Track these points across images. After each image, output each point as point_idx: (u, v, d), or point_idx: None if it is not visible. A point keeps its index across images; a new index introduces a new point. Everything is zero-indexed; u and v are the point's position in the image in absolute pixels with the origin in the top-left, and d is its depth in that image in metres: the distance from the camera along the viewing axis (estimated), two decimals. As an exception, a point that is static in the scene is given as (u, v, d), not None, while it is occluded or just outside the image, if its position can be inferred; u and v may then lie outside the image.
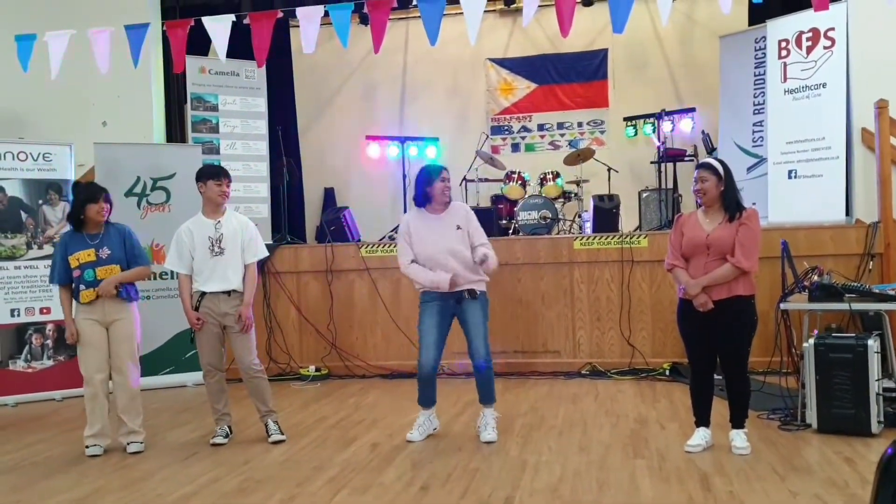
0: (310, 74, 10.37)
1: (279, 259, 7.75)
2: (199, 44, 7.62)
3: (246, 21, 6.21)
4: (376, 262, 7.56)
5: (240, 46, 7.22)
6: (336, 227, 8.19)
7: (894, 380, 5.03)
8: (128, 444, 5.20)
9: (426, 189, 5.10)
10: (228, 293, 5.24)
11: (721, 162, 4.68)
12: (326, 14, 6.30)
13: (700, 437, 4.77)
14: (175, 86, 8.96)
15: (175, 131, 8.98)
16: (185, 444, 5.34)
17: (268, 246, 6.11)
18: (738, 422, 4.72)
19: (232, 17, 6.42)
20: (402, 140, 10.16)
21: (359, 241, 8.14)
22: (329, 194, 10.75)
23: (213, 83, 8.52)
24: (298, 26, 6.48)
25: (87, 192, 5.18)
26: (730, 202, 4.58)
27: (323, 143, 10.83)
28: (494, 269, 5.05)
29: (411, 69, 10.90)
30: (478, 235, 5.16)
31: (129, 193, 7.42)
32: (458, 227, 5.13)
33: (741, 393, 4.70)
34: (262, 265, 7.31)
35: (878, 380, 4.84)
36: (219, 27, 5.58)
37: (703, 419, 4.82)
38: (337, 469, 4.65)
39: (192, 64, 8.29)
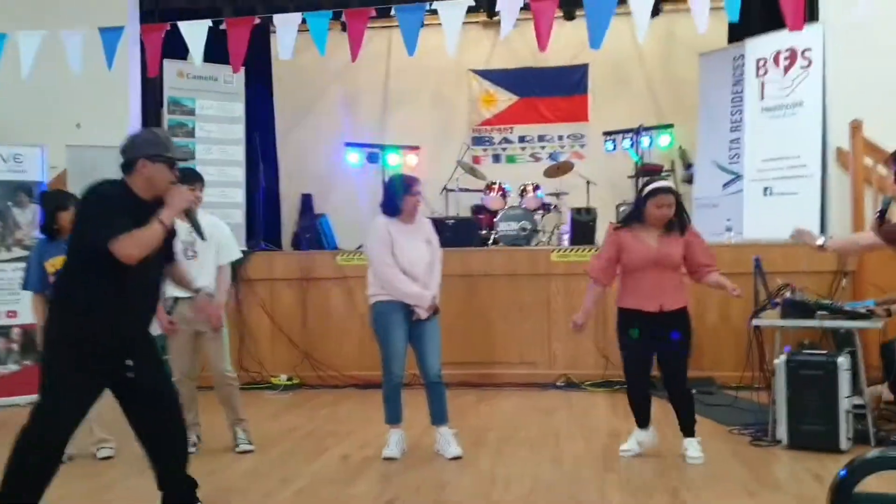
0: (290, 80, 10.32)
1: (253, 266, 7.67)
2: (178, 47, 7.56)
3: (223, 27, 6.17)
4: (353, 271, 7.50)
5: (219, 51, 7.18)
6: (312, 234, 8.13)
7: (864, 397, 5.04)
8: (98, 449, 5.13)
9: (398, 200, 5.02)
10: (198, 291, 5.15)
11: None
12: (306, 21, 6.29)
13: (644, 435, 4.96)
14: (152, 89, 8.87)
15: (151, 135, 8.88)
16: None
17: (242, 252, 6.05)
18: (689, 430, 4.81)
19: (208, 23, 6.38)
20: (383, 148, 10.14)
21: (336, 248, 8.09)
22: (307, 201, 10.68)
23: (191, 87, 8.46)
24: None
25: (57, 201, 5.09)
26: (682, 219, 4.80)
27: (301, 149, 10.77)
28: None
29: (393, 77, 10.88)
30: (438, 260, 5.15)
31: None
32: (428, 242, 5.11)
33: (689, 400, 4.84)
34: (235, 270, 7.23)
35: (848, 397, 4.86)
36: (195, 32, 5.54)
37: (644, 422, 4.97)
38: (305, 481, 4.60)
39: (170, 68, 8.23)
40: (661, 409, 5.05)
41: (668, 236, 4.74)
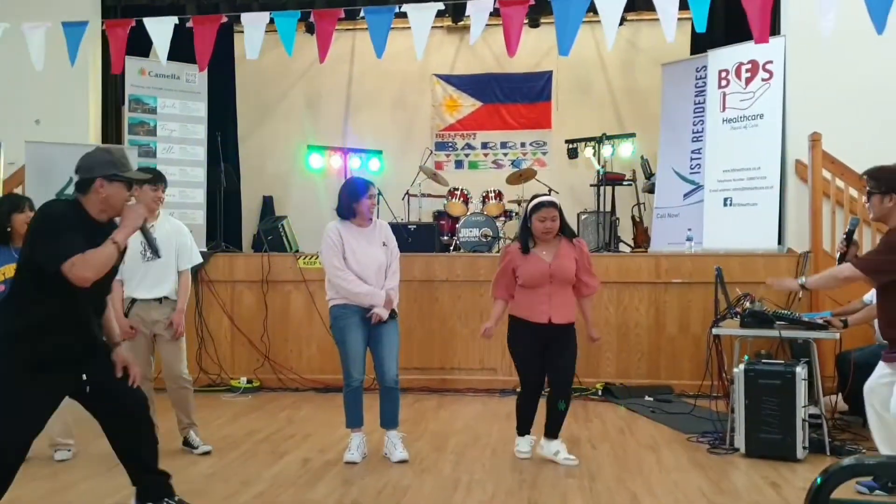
0: (253, 81, 10.24)
1: (213, 267, 7.58)
2: (140, 45, 7.45)
3: (189, 24, 6.08)
4: (314, 274, 7.44)
5: (182, 49, 7.08)
6: (273, 236, 8.05)
7: (820, 407, 5.14)
8: (55, 450, 5.03)
9: (352, 203, 5.00)
10: (160, 300, 5.11)
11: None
12: (272, 21, 6.22)
13: (527, 443, 5.11)
14: (113, 86, 8.73)
15: (111, 133, 8.73)
16: (109, 455, 5.05)
17: (202, 253, 5.97)
18: (557, 433, 5.00)
19: (174, 20, 6.28)
20: (345, 151, 10.08)
21: (297, 251, 8.02)
22: (268, 203, 10.60)
23: (153, 85, 8.33)
24: (243, 32, 6.39)
25: (11, 203, 4.94)
26: (569, 232, 4.98)
27: (264, 150, 10.69)
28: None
29: (357, 80, 10.84)
30: (396, 259, 5.15)
31: (60, 194, 7.17)
32: (384, 245, 5.09)
33: (567, 408, 5.02)
34: (195, 273, 7.14)
35: (804, 406, 4.94)
36: (161, 29, 5.44)
37: (527, 429, 5.12)
38: (265, 484, 4.54)
39: (132, 65, 8.10)
40: (620, 417, 5.07)
41: (563, 251, 4.90)
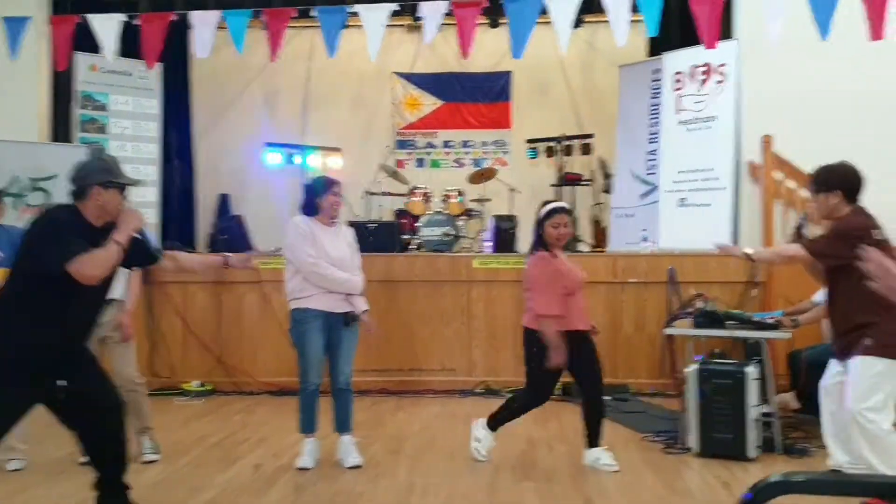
0: (208, 78, 10.08)
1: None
2: (92, 40, 7.28)
3: (137, 22, 5.96)
4: (270, 275, 7.31)
5: (134, 45, 6.94)
6: (228, 235, 7.92)
7: (772, 406, 5.19)
8: (8, 460, 4.89)
9: (316, 200, 4.94)
10: (109, 302, 4.98)
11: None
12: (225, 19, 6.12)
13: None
14: (65, 83, 8.52)
15: (60, 130, 8.53)
16: (53, 462, 5.02)
17: (157, 250, 5.84)
18: (598, 441, 4.92)
19: (121, 17, 6.15)
20: (303, 149, 9.98)
21: (252, 251, 7.89)
22: (224, 201, 10.44)
23: (104, 82, 8.17)
24: (197, 28, 6.28)
25: None
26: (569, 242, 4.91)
27: (219, 148, 10.52)
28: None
29: (315, 78, 10.72)
30: (357, 264, 5.09)
31: (4, 193, 6.97)
32: (350, 246, 5.04)
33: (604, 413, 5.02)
34: (146, 273, 7.01)
35: (756, 406, 4.98)
36: (107, 26, 5.31)
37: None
38: (216, 491, 4.46)
39: (83, 61, 7.93)
40: (577, 418, 5.08)
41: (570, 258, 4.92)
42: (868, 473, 3.98)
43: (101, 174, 3.63)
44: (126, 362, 5.04)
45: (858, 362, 4.09)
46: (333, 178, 5.11)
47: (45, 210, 3.69)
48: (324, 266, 4.82)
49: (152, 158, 8.37)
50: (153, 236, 7.47)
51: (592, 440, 4.90)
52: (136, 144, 8.31)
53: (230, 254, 4.23)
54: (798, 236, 4.60)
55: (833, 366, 4.43)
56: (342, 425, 5.02)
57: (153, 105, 8.40)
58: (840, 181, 4.23)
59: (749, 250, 4.81)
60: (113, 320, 4.98)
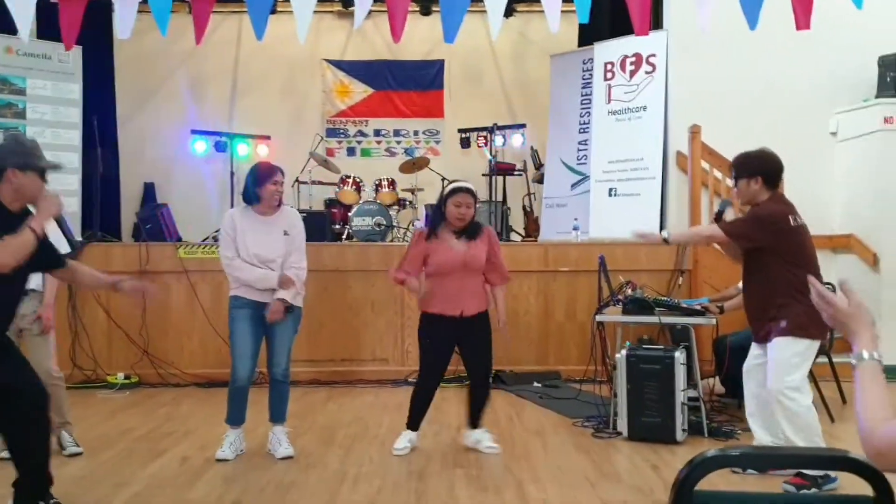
0: (133, 62, 9.78)
1: (88, 258, 7.15)
2: (9, 21, 6.95)
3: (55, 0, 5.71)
4: (196, 265, 7.17)
5: (55, 27, 6.65)
6: (152, 224, 7.68)
7: (698, 390, 5.30)
8: None
9: (256, 189, 4.82)
10: (26, 293, 4.79)
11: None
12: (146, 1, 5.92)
13: (407, 439, 4.97)
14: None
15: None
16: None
17: (79, 243, 5.64)
18: (479, 422, 5.00)
19: (37, -5, 5.88)
20: (232, 136, 9.78)
21: (178, 240, 7.71)
22: (149, 189, 10.17)
23: (21, 65, 7.84)
24: (120, 10, 6.04)
25: None
26: (476, 223, 4.97)
27: (144, 135, 10.24)
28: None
29: (244, 64, 10.53)
30: (298, 250, 4.93)
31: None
32: (286, 233, 4.91)
33: (488, 396, 5.08)
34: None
35: (683, 390, 5.08)
36: (22, 4, 5.06)
37: (418, 424, 5.02)
38: (141, 485, 4.34)
39: (-2, 42, 7.60)
40: (509, 404, 5.11)
41: (474, 240, 4.87)
42: (795, 446, 4.11)
43: (18, 156, 3.53)
44: (45, 355, 4.85)
45: (777, 343, 4.21)
46: (274, 166, 4.98)
47: None
48: (238, 268, 4.77)
49: (73, 145, 8.07)
50: (73, 226, 7.22)
51: (474, 422, 5.00)
52: (55, 130, 8.00)
53: (125, 278, 4.05)
54: (718, 221, 4.70)
55: (754, 349, 4.54)
56: (277, 415, 4.95)
57: (74, 90, 8.10)
58: (760, 167, 4.34)
59: (665, 233, 4.90)
60: (32, 312, 4.79)
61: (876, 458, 1.53)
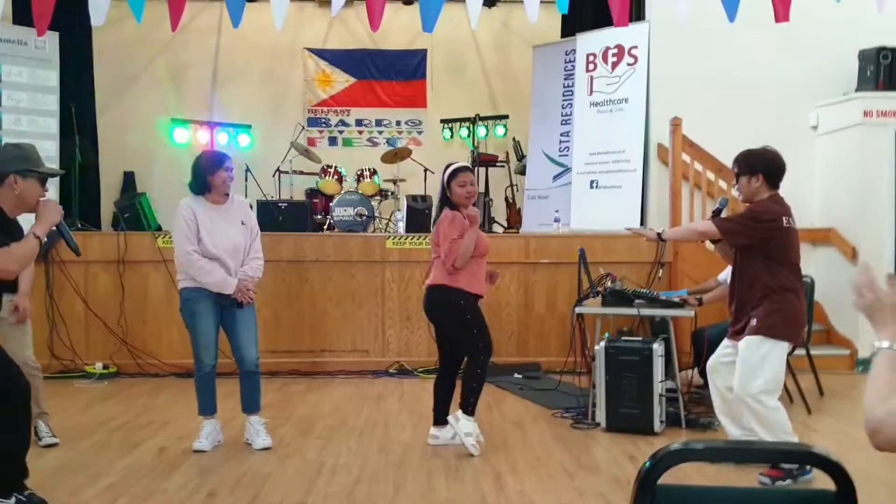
0: (112, 50, 9.68)
1: (65, 247, 7.06)
2: (-18, 6, 6.87)
3: (31, -17, 5.64)
4: (174, 254, 7.10)
5: (30, 13, 6.58)
6: (131, 213, 7.61)
7: (676, 382, 5.33)
8: None
9: (207, 177, 4.75)
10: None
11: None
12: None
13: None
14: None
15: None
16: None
17: (52, 232, 5.57)
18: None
19: (11, -23, 5.81)
20: (212, 125, 9.70)
21: (157, 229, 7.64)
22: (129, 178, 10.07)
23: (-3, 51, 7.74)
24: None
25: None
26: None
27: (124, 123, 10.14)
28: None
29: (224, 52, 10.44)
30: (256, 239, 4.92)
31: None
32: (243, 223, 4.86)
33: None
34: (45, 253, 6.71)
35: (661, 381, 5.10)
36: (-4, -13, 5.00)
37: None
38: (117, 475, 4.31)
39: (-28, 27, 7.49)
40: (489, 395, 5.11)
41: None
42: (762, 440, 4.13)
43: (18, 162, 3.57)
44: (22, 345, 4.80)
45: (745, 342, 4.21)
46: (223, 153, 4.95)
47: None
48: (198, 266, 4.67)
49: (51, 133, 7.98)
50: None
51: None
52: (32, 118, 7.90)
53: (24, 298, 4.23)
54: (715, 218, 4.68)
55: (724, 345, 4.51)
56: (250, 406, 4.92)
57: (51, 77, 8.00)
58: (763, 165, 4.30)
59: (660, 230, 4.90)
60: (9, 302, 4.73)
61: (871, 434, 1.58)
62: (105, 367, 7.00)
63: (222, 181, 4.76)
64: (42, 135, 7.88)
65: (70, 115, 8.03)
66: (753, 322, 4.19)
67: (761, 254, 4.25)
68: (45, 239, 3.53)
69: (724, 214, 4.63)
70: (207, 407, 4.86)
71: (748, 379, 4.15)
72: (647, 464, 1.35)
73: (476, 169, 8.95)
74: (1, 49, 7.71)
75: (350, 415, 5.70)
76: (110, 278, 7.13)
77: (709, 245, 5.42)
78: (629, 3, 4.82)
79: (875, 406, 1.58)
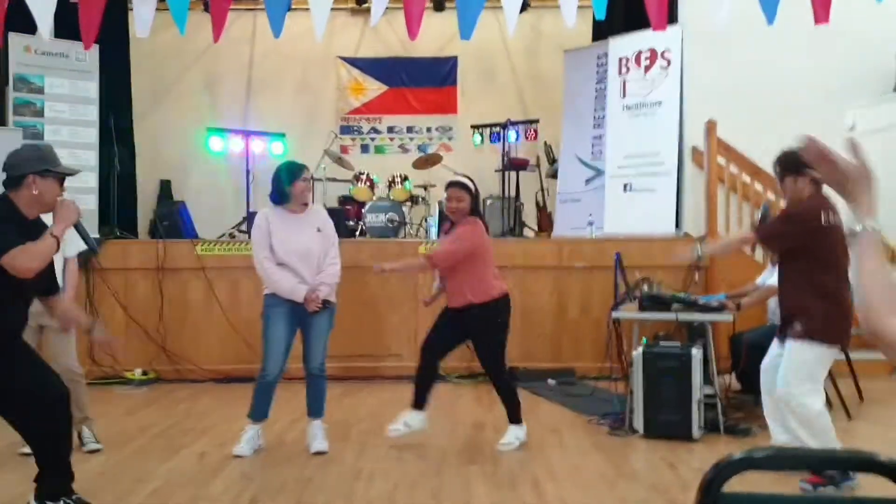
0: (148, 60, 9.82)
1: (105, 255, 7.23)
2: (28, 20, 7.01)
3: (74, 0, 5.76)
4: (213, 261, 7.21)
5: (71, 26, 6.71)
6: (170, 222, 7.73)
7: (715, 387, 5.29)
8: None
9: (286, 188, 4.83)
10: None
11: (469, 179, 5.09)
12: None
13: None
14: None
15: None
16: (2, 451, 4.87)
17: (94, 240, 5.67)
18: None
19: (57, -6, 5.93)
20: (247, 134, 9.80)
21: (195, 237, 7.74)
22: (165, 187, 10.22)
23: (40, 64, 7.90)
24: (135, 8, 6.07)
25: None
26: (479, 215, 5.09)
27: (160, 133, 10.28)
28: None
29: (258, 62, 10.56)
30: (333, 246, 4.99)
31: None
32: (319, 230, 4.93)
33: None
34: (85, 261, 6.82)
35: (700, 387, 5.06)
36: (43, 4, 5.09)
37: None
38: (160, 481, 4.37)
39: (17, 42, 7.66)
40: (523, 401, 5.12)
41: None
42: (821, 448, 4.07)
43: (37, 162, 3.57)
44: (66, 352, 4.90)
45: (790, 346, 4.18)
46: (301, 164, 5.00)
47: None
48: (271, 273, 4.79)
49: (91, 143, 8.13)
50: (92, 225, 7.28)
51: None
52: (73, 128, 8.06)
53: (98, 325, 4.18)
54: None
55: (774, 346, 4.50)
56: (313, 410, 4.99)
57: (91, 88, 8.14)
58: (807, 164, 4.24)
59: (698, 250, 4.90)
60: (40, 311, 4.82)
61: (872, 338, 1.48)
62: (144, 373, 7.11)
63: (301, 191, 4.84)
64: (82, 145, 8.04)
65: (109, 125, 8.18)
66: (798, 326, 4.14)
67: (806, 256, 4.19)
68: (62, 238, 3.56)
69: (768, 220, 4.58)
70: (260, 413, 4.92)
71: (791, 382, 4.12)
72: (710, 473, 1.36)
73: (507, 173, 8.97)
74: (44, 62, 7.87)
75: (386, 420, 5.69)
76: (149, 285, 7.24)
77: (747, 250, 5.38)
78: (666, 6, 4.80)
79: (878, 309, 1.42)
